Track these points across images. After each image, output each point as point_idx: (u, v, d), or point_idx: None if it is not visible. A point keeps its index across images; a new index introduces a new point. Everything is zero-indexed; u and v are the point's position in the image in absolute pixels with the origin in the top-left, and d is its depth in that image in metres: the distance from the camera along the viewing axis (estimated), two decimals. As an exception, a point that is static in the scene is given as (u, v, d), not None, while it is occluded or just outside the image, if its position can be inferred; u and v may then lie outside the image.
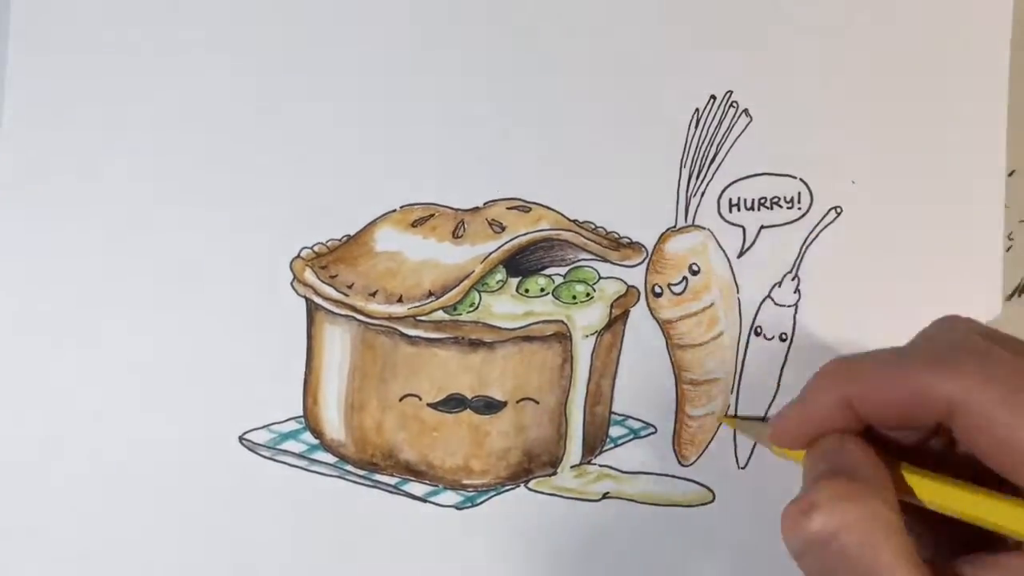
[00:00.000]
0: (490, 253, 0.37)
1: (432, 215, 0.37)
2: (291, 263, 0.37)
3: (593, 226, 0.37)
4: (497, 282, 0.37)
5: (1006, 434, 0.25)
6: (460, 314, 0.37)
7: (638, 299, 0.37)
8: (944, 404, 0.26)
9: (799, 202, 0.37)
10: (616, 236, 0.37)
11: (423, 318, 0.37)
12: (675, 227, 0.37)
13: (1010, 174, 0.38)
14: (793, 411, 0.30)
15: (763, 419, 0.37)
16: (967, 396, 0.25)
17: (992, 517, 0.26)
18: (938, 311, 0.37)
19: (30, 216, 0.37)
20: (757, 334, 0.37)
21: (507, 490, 0.37)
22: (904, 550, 0.25)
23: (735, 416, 0.37)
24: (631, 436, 0.37)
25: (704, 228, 0.37)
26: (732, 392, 0.37)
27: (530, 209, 0.37)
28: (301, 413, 0.37)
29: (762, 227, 0.37)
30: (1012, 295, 0.38)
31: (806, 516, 0.26)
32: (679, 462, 0.37)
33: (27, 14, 0.37)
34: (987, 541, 0.27)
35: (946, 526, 0.28)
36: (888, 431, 0.29)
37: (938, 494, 0.27)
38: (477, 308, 0.37)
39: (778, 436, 0.30)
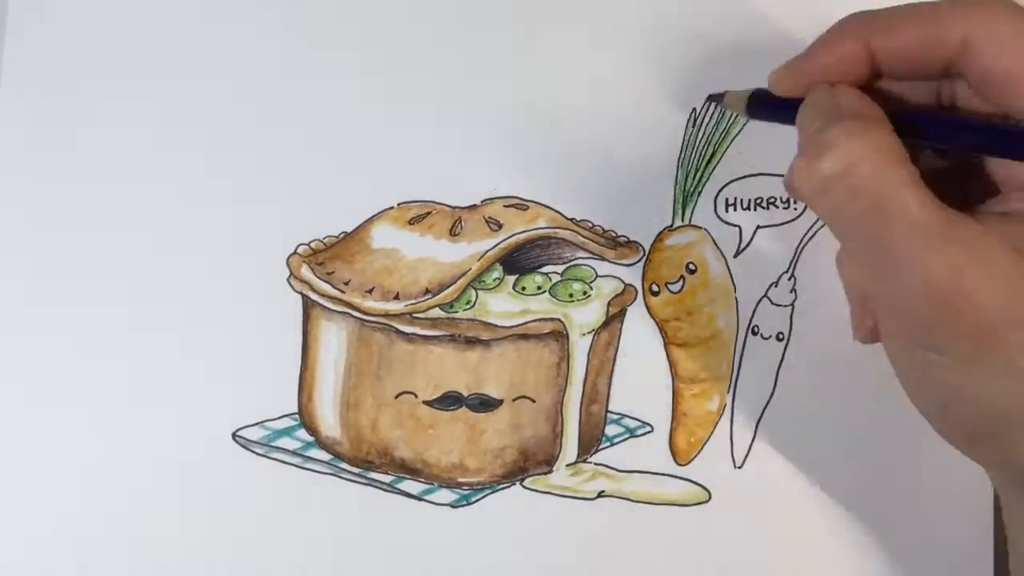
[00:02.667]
0: (487, 251, 0.37)
1: (429, 212, 0.37)
2: (288, 259, 0.37)
3: (590, 225, 0.37)
4: (494, 280, 0.37)
5: (1020, 63, 0.26)
6: (456, 312, 0.37)
7: (635, 298, 0.37)
8: (961, 38, 0.27)
9: (795, 202, 0.37)
10: (613, 235, 0.37)
11: (419, 315, 0.37)
12: (672, 226, 0.37)
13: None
14: (806, 54, 0.30)
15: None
16: (985, 28, 0.27)
17: (995, 141, 0.28)
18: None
19: (26, 211, 0.37)
20: (754, 333, 0.37)
21: (502, 488, 0.37)
22: (915, 176, 0.26)
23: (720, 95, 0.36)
24: (627, 435, 0.37)
25: (701, 227, 0.37)
26: (729, 392, 0.37)
27: (527, 207, 0.37)
28: (296, 410, 0.37)
29: (759, 227, 0.37)
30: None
31: (819, 157, 0.27)
32: (675, 461, 0.37)
33: (24, 10, 0.37)
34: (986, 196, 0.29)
35: (943, 185, 0.29)
36: (898, 79, 0.30)
37: (941, 128, 0.29)
38: (474, 306, 0.37)
39: (781, 80, 0.31)
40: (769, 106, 0.33)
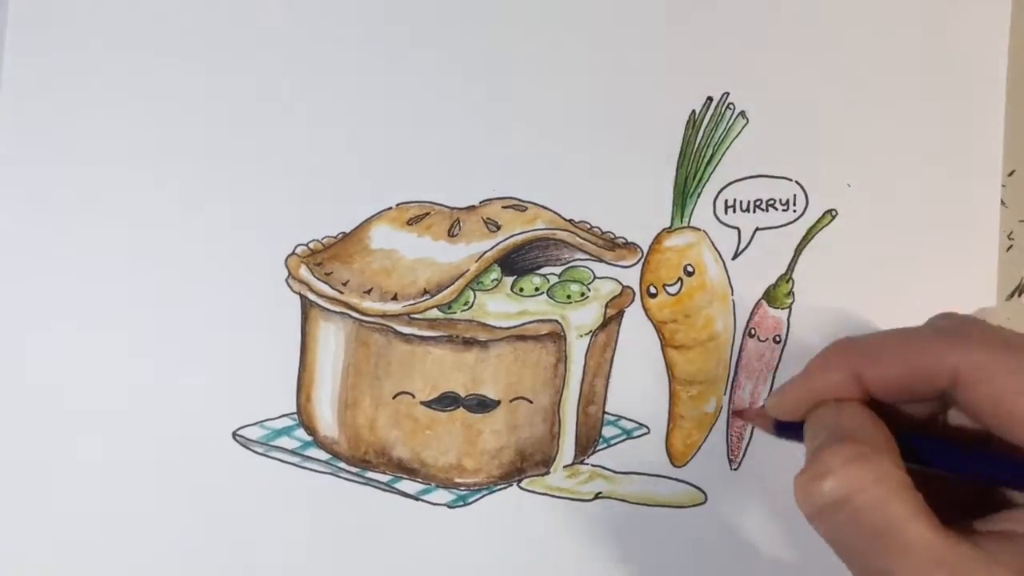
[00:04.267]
0: (485, 252, 0.37)
1: (428, 213, 0.37)
2: (286, 260, 0.37)
3: (589, 226, 0.37)
4: (492, 281, 0.37)
5: (1013, 401, 0.26)
6: (454, 312, 0.37)
7: (633, 299, 0.37)
8: (950, 372, 0.27)
9: (794, 204, 0.37)
10: (612, 236, 0.37)
11: (417, 316, 0.37)
12: (670, 228, 0.37)
13: (1010, 174, 0.38)
14: (796, 383, 0.30)
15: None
16: (975, 364, 0.26)
17: (998, 472, 0.27)
18: (933, 313, 0.37)
19: (28, 212, 0.37)
20: (751, 336, 0.37)
21: (499, 489, 0.37)
22: (917, 505, 0.26)
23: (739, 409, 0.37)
24: (624, 436, 0.37)
25: (699, 229, 0.37)
26: (725, 394, 0.37)
27: (526, 208, 0.37)
28: (294, 410, 0.37)
29: (757, 229, 0.37)
30: (1012, 295, 0.38)
31: (819, 481, 0.26)
32: (671, 463, 0.37)
33: (25, 16, 0.37)
34: (988, 508, 0.28)
35: (945, 497, 0.28)
36: (893, 403, 0.29)
37: (945, 455, 0.28)
38: (471, 307, 0.37)
39: (778, 406, 0.31)
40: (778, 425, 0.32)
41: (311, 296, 0.37)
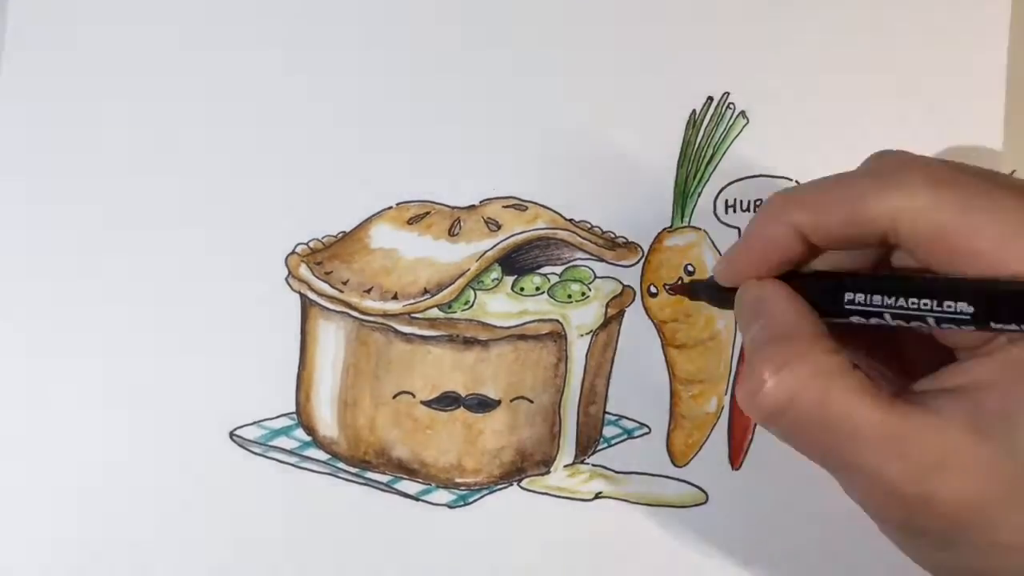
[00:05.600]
0: (486, 251, 0.37)
1: (428, 212, 0.37)
2: (286, 259, 0.37)
3: (589, 225, 0.37)
4: (492, 280, 0.37)
5: (953, 237, 0.25)
6: (455, 312, 0.37)
7: (633, 299, 0.37)
8: (890, 215, 0.26)
9: (795, 204, 0.37)
10: (612, 236, 0.37)
11: (418, 315, 0.37)
12: (671, 227, 0.37)
13: (1010, 174, 0.38)
14: (741, 247, 0.30)
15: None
16: (912, 204, 0.26)
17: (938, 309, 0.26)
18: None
19: (25, 211, 0.37)
20: (752, 335, 0.37)
21: (500, 489, 0.37)
22: (859, 386, 0.26)
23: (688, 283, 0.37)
24: (625, 436, 0.37)
25: (700, 229, 0.37)
26: (726, 393, 0.37)
27: (526, 208, 0.37)
28: (293, 409, 0.37)
29: (758, 228, 0.37)
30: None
31: (758, 393, 0.26)
32: (672, 463, 0.37)
33: (25, 16, 0.37)
34: (936, 366, 0.27)
35: (894, 362, 0.28)
36: (837, 250, 0.29)
37: (887, 302, 0.27)
38: (472, 306, 0.37)
39: (724, 272, 0.30)
40: (719, 295, 0.32)
41: (311, 295, 0.37)
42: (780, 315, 0.28)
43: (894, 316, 0.27)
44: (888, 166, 0.27)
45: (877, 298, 0.27)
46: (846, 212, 0.27)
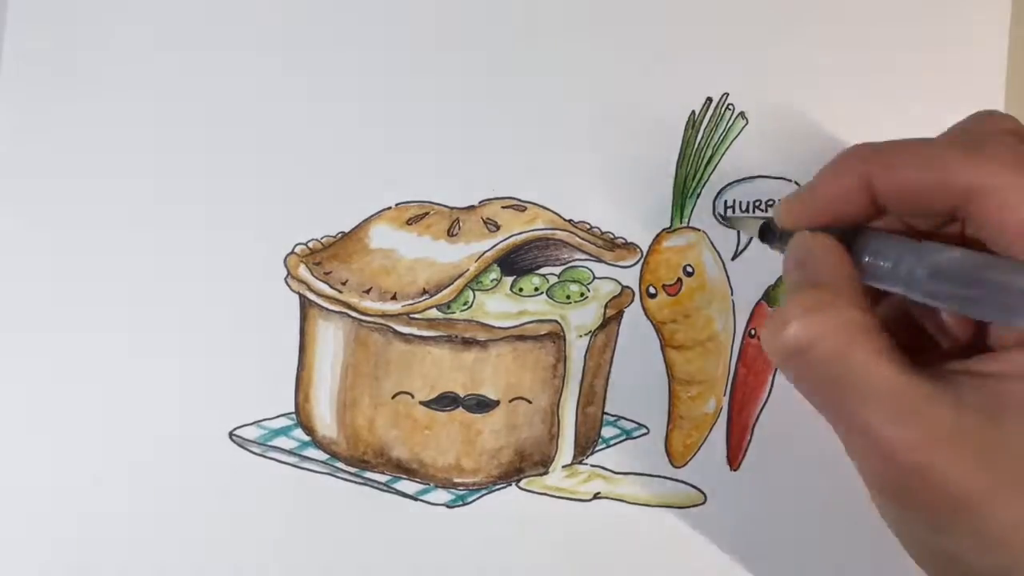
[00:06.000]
0: (484, 252, 0.37)
1: (427, 213, 0.37)
2: (285, 259, 0.37)
3: (588, 226, 0.37)
4: (491, 281, 0.37)
5: (1021, 222, 0.25)
6: (454, 312, 0.37)
7: (632, 300, 0.37)
8: (964, 188, 0.26)
9: (794, 205, 0.37)
10: (611, 236, 0.37)
11: (416, 316, 0.37)
12: (670, 228, 0.37)
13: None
14: (806, 190, 0.30)
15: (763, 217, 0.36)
16: (989, 180, 0.26)
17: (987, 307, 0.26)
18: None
19: (25, 211, 0.37)
20: (751, 336, 0.37)
21: (498, 489, 0.37)
22: (881, 346, 0.26)
23: (736, 216, 0.36)
24: (623, 436, 0.37)
25: (699, 230, 0.37)
26: (725, 394, 0.37)
27: (525, 208, 0.37)
28: (292, 409, 0.37)
29: (757, 229, 0.37)
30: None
31: (781, 329, 0.26)
32: (671, 463, 0.37)
33: (25, 16, 0.37)
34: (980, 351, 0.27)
35: (931, 340, 0.28)
36: (902, 216, 0.29)
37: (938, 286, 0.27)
38: (471, 307, 0.37)
39: (784, 214, 0.30)
40: (778, 236, 0.32)
41: (310, 295, 0.37)
42: (822, 266, 0.28)
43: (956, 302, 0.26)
44: (970, 137, 0.27)
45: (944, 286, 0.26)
46: (927, 177, 0.27)
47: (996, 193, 0.26)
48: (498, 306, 0.37)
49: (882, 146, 0.29)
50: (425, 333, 0.37)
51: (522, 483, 0.37)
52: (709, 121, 0.37)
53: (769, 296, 0.37)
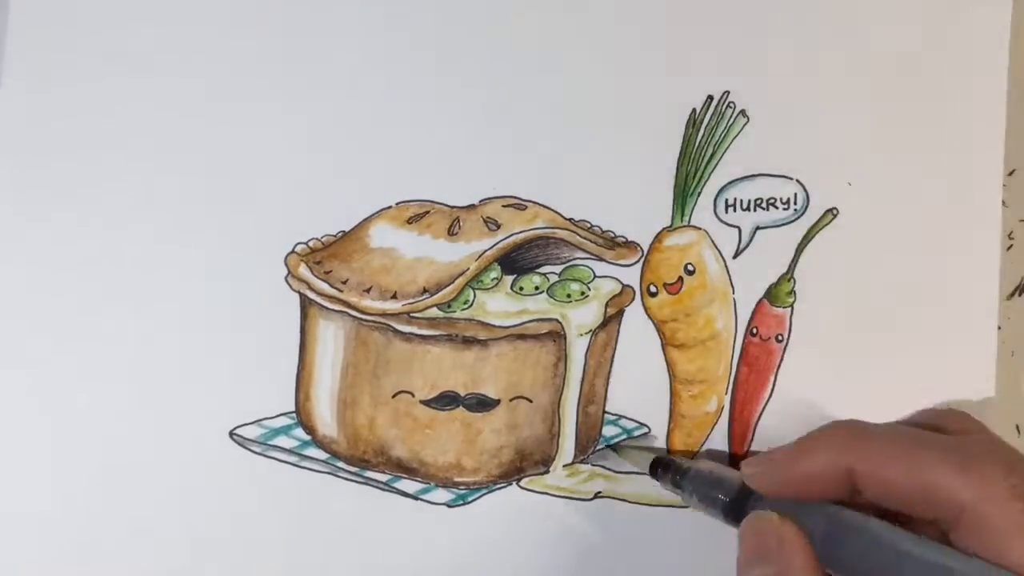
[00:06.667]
0: (485, 251, 0.37)
1: (427, 212, 0.37)
2: (286, 258, 0.37)
3: (589, 225, 0.37)
4: (492, 280, 0.37)
5: (1011, 544, 0.25)
6: (454, 311, 0.37)
7: (633, 298, 0.37)
8: (956, 506, 0.25)
9: (795, 203, 0.37)
10: (612, 235, 0.37)
11: (417, 315, 0.37)
12: (671, 227, 0.37)
13: (1010, 173, 0.38)
14: (787, 460, 0.29)
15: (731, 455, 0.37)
16: (983, 508, 0.25)
17: None
18: (935, 313, 0.37)
19: (25, 210, 0.37)
20: (752, 335, 0.37)
21: (499, 488, 0.37)
22: None
23: (626, 446, 0.37)
24: (624, 436, 0.37)
25: (700, 228, 0.37)
26: (726, 393, 0.37)
27: (526, 207, 0.37)
28: (293, 409, 0.37)
29: (758, 228, 0.37)
30: (1012, 295, 0.38)
31: None
32: (672, 463, 0.37)
33: (25, 16, 0.37)
34: None
35: None
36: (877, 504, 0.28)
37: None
38: (471, 306, 0.37)
39: (759, 478, 0.30)
40: (672, 475, 0.33)
41: (310, 294, 0.37)
42: (791, 569, 0.27)
43: None
44: (962, 446, 0.27)
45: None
46: (915, 484, 0.26)
47: (990, 519, 0.25)
48: (499, 305, 0.37)
49: (867, 434, 0.28)
50: (425, 332, 0.37)
51: (523, 482, 0.37)
52: (710, 119, 0.37)
53: (771, 294, 0.37)
